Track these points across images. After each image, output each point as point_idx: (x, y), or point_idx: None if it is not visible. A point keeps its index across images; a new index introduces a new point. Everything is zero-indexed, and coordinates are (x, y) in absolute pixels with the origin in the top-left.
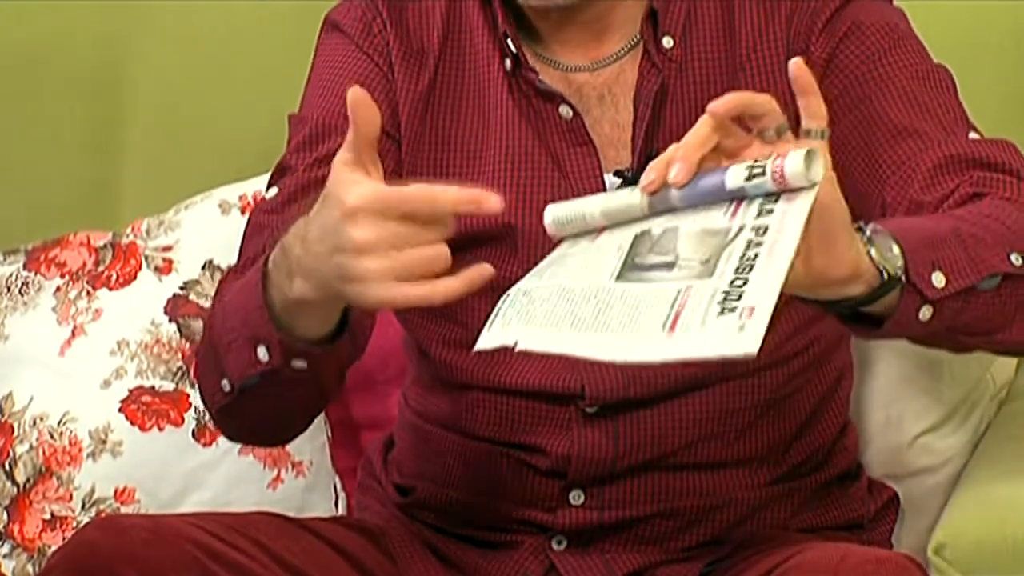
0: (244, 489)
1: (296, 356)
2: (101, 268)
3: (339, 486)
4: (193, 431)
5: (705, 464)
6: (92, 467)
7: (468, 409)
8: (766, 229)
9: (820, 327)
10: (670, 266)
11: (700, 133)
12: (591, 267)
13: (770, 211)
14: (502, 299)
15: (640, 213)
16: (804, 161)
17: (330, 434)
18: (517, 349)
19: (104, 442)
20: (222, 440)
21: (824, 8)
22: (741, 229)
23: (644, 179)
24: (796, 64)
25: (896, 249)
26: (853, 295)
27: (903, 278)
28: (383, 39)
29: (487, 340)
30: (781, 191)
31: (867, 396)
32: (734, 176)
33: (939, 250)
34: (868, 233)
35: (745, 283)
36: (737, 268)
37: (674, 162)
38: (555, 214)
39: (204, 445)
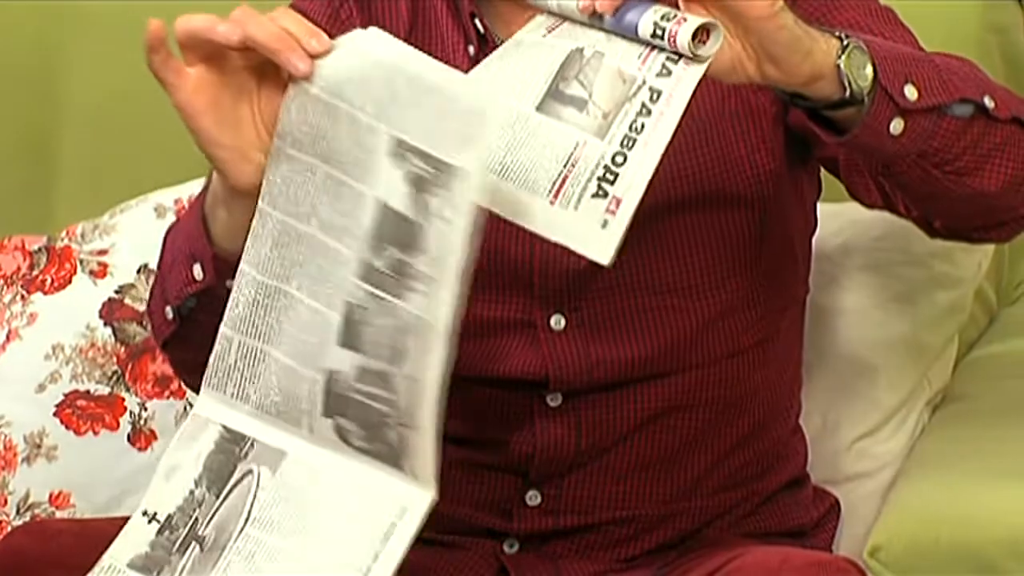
0: None
1: (227, 273)
2: (36, 272)
3: None
4: (128, 435)
5: (663, 461)
6: (27, 472)
7: None
8: (659, 95)
9: (777, 323)
10: (582, 106)
11: None
12: (528, 74)
13: (668, 73)
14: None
15: (583, 19)
16: (693, 34)
17: None
18: None
19: (39, 447)
20: (157, 444)
21: None
22: (642, 85)
23: None
24: None
25: (868, 69)
26: (820, 96)
27: (866, 97)
28: (351, 25)
29: None
30: (677, 55)
31: (805, 401)
32: (645, 24)
33: (913, 68)
34: (846, 43)
35: (624, 161)
36: (625, 136)
37: None
38: None
39: (140, 449)
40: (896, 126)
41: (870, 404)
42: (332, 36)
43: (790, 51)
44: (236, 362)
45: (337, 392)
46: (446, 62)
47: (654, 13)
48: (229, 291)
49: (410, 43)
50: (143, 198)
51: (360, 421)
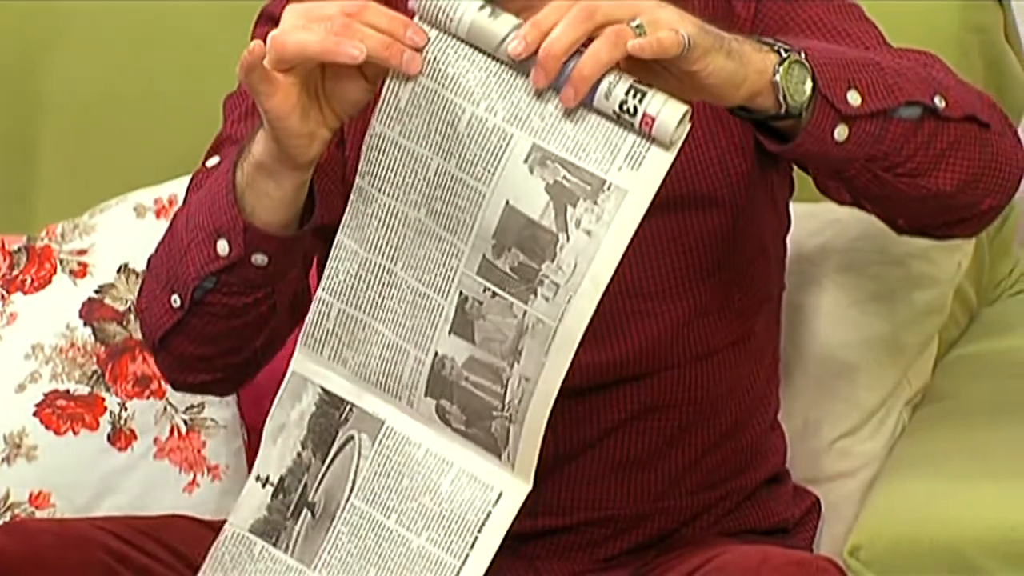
0: (160, 493)
1: (256, 247)
2: (15, 272)
3: None
4: (108, 435)
5: (640, 461)
6: (7, 472)
7: None
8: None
9: (751, 322)
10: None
11: (572, 39)
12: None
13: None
14: None
15: (500, 52)
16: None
17: (246, 438)
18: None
19: (19, 446)
20: (137, 444)
21: None
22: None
23: (518, 44)
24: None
25: (808, 81)
26: (759, 109)
27: (804, 110)
28: None
29: None
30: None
31: (785, 401)
32: (601, 102)
33: (858, 72)
34: (785, 57)
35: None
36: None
37: (546, 62)
38: None
39: (119, 449)
40: (840, 132)
41: (850, 404)
42: None
43: (725, 87)
44: (335, 327)
45: (443, 376)
46: None
47: (610, 98)
48: (256, 267)
49: None
50: (123, 198)
51: (463, 407)
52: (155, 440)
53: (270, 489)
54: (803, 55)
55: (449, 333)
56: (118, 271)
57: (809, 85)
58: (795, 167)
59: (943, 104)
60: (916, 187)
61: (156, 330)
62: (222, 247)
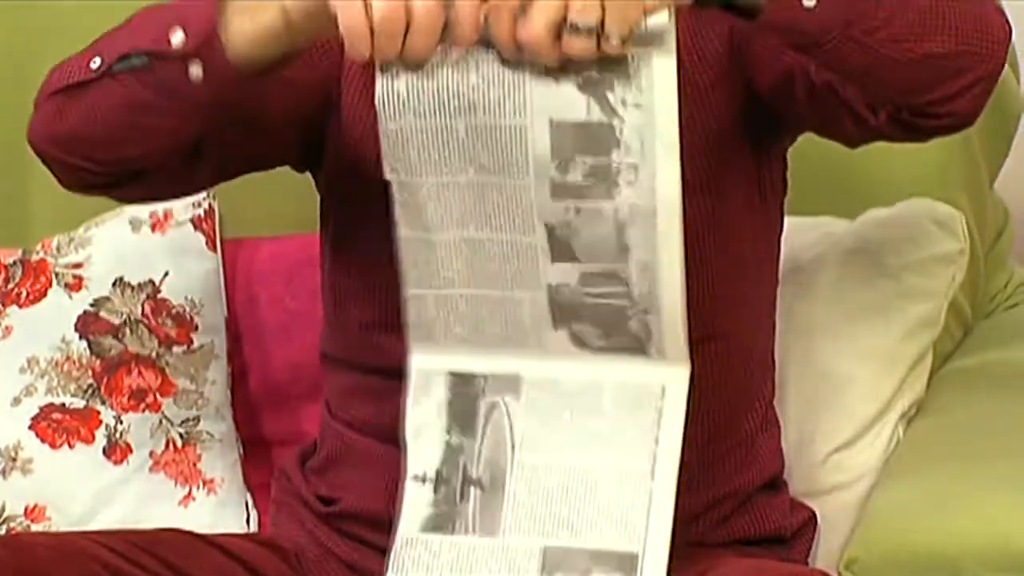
0: (155, 507)
1: (205, 57)
2: (11, 285)
3: (251, 503)
4: (104, 448)
5: None
6: (2, 485)
7: (395, 416)
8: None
9: (731, 319)
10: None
11: None
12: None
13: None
14: None
15: None
16: None
17: (242, 451)
18: None
19: (14, 460)
20: (133, 458)
21: None
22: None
23: None
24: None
25: None
26: None
27: None
28: None
29: None
30: None
31: (780, 415)
32: None
33: None
34: None
35: None
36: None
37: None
38: None
39: (115, 463)
40: None
41: (845, 416)
42: None
43: None
44: (438, 313)
45: (564, 303)
46: None
47: None
48: (187, 79)
49: None
50: (118, 211)
51: (596, 322)
52: (150, 453)
53: (430, 484)
54: None
55: (552, 263)
56: (113, 284)
57: None
58: (796, 129)
59: None
60: (902, 51)
61: (58, 81)
62: (176, 36)
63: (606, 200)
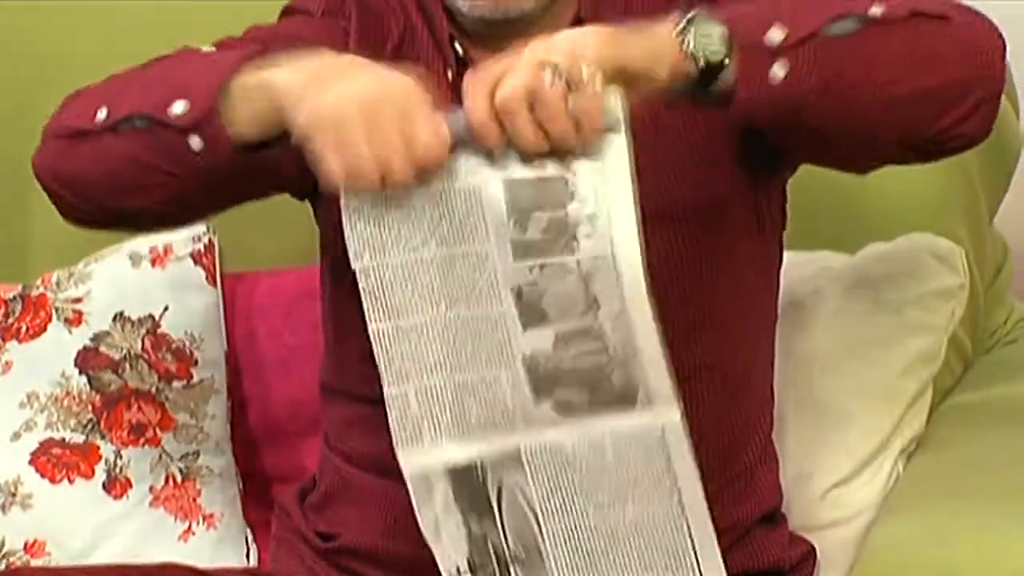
0: (155, 541)
1: (206, 131)
2: (11, 320)
3: (251, 538)
4: (104, 483)
5: None
6: (2, 520)
7: (392, 448)
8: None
9: (726, 349)
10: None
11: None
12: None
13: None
14: None
15: None
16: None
17: (241, 486)
18: None
19: (14, 495)
20: (133, 493)
21: None
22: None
23: None
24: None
25: (717, 28)
26: (684, 78)
27: (725, 58)
28: (348, 24)
29: None
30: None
31: (779, 449)
32: None
33: (778, 8)
34: (685, 19)
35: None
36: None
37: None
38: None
39: (115, 498)
40: (778, 70)
41: (844, 452)
42: (329, 28)
43: (645, 70)
44: (419, 408)
45: (542, 372)
46: (427, 87)
47: None
48: (188, 147)
49: (394, 63)
50: (118, 246)
51: (577, 384)
52: (150, 488)
53: (468, 575)
54: (706, 11)
55: (524, 331)
56: (113, 319)
57: (719, 29)
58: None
59: (880, 10)
60: (892, 95)
61: (67, 120)
62: (178, 105)
63: (568, 255)
